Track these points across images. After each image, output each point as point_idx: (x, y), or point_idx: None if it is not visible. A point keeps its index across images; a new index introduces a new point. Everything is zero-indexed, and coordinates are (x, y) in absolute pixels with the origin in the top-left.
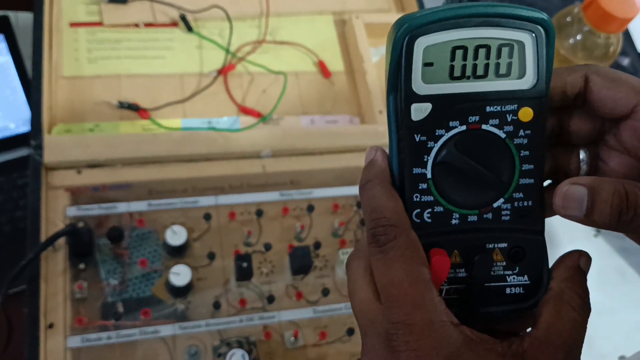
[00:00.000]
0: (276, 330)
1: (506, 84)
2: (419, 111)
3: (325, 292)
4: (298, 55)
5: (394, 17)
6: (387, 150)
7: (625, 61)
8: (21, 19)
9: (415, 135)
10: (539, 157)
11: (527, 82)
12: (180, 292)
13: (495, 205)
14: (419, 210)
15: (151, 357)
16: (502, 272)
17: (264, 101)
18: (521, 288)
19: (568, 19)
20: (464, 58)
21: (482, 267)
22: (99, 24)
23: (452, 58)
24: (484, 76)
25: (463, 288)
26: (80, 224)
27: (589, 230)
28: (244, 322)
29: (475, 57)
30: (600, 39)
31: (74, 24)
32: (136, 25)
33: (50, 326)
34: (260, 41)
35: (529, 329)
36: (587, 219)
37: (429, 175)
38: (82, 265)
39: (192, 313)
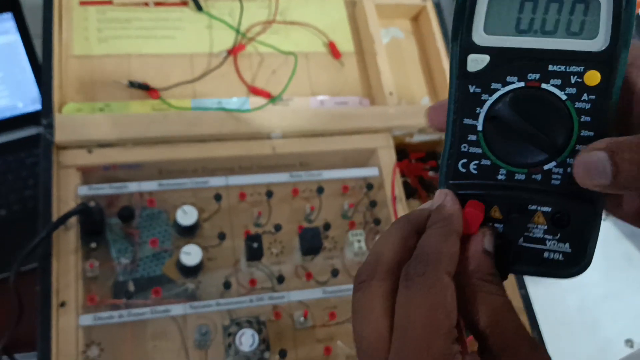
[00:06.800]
0: (286, 310)
1: (575, 43)
2: (476, 62)
3: (335, 272)
4: (308, 35)
5: None
6: (455, 196)
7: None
8: None
9: (470, 86)
10: (602, 126)
11: (598, 43)
12: (191, 272)
13: (546, 167)
14: (465, 160)
15: (162, 335)
16: (541, 235)
17: (274, 82)
18: (561, 255)
19: None
20: (534, 11)
21: (515, 226)
22: (109, 2)
23: (521, 10)
24: (553, 32)
25: (499, 243)
26: (92, 203)
27: None
28: (253, 302)
29: (546, 11)
30: None
31: (83, 3)
32: (146, 4)
33: (62, 305)
34: (270, 21)
35: None
36: (614, 184)
37: (479, 128)
38: (93, 244)
39: (203, 293)
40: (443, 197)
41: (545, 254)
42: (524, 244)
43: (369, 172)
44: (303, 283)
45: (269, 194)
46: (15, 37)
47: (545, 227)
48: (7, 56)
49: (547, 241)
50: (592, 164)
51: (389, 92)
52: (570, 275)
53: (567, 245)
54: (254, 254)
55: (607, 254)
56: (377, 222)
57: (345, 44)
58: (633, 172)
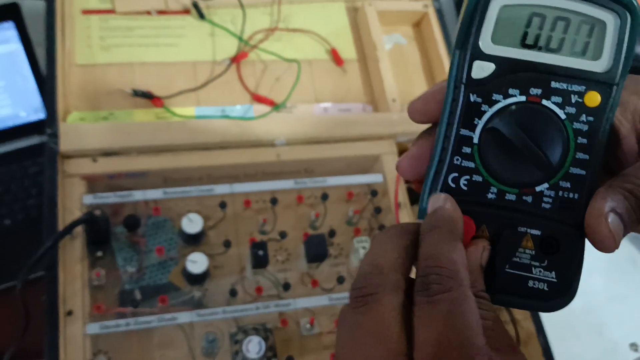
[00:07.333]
0: (292, 317)
1: (578, 62)
2: (481, 69)
3: (340, 279)
4: (311, 42)
5: (406, 4)
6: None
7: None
8: (31, 6)
9: (471, 95)
10: (597, 150)
11: (601, 65)
12: (197, 280)
13: (538, 189)
14: (456, 174)
15: (169, 344)
16: (528, 262)
17: (277, 89)
18: (545, 285)
19: None
20: (541, 27)
21: (507, 245)
22: (111, 11)
23: (528, 24)
24: (557, 50)
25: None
26: (97, 212)
27: None
28: (260, 310)
29: (553, 28)
30: None
31: (86, 12)
32: (148, 13)
33: (69, 313)
34: (272, 29)
35: None
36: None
37: (475, 140)
38: (99, 253)
39: (209, 300)
40: (442, 202)
41: (530, 283)
42: (510, 270)
43: (373, 178)
44: (309, 290)
45: (274, 201)
46: (17, 46)
47: (533, 253)
48: (9, 65)
49: (533, 268)
50: (616, 234)
51: (392, 99)
52: (553, 307)
53: (553, 274)
54: (260, 261)
55: (611, 258)
56: (382, 228)
57: (348, 51)
58: (634, 221)
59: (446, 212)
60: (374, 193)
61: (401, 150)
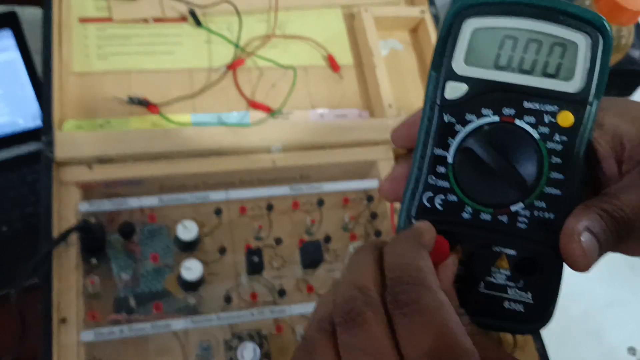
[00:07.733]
0: (287, 323)
1: (551, 83)
2: (454, 90)
3: None
4: (307, 49)
5: (403, 10)
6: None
7: (637, 53)
8: (28, 14)
9: (445, 115)
10: (572, 170)
11: (573, 85)
12: (192, 287)
13: (513, 208)
14: (431, 194)
15: (164, 351)
16: (503, 282)
17: (273, 96)
18: (522, 306)
19: None
20: (513, 49)
21: (481, 264)
22: (109, 19)
23: (501, 46)
24: (530, 71)
25: (457, 287)
26: (92, 220)
27: None
28: (255, 316)
29: (525, 50)
30: (612, 31)
31: (83, 20)
32: (145, 21)
33: (63, 321)
34: (269, 35)
35: None
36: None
37: (449, 160)
38: (94, 261)
39: (204, 307)
40: (421, 224)
41: (506, 304)
42: (485, 291)
43: (369, 184)
44: (304, 296)
45: (270, 208)
46: (15, 54)
47: (508, 273)
48: (7, 73)
49: (508, 289)
50: (589, 254)
51: (388, 104)
52: (529, 330)
53: (530, 295)
54: (255, 267)
55: (610, 263)
56: (378, 234)
57: (344, 57)
58: (610, 241)
59: (417, 229)
60: (370, 199)
61: (397, 156)
